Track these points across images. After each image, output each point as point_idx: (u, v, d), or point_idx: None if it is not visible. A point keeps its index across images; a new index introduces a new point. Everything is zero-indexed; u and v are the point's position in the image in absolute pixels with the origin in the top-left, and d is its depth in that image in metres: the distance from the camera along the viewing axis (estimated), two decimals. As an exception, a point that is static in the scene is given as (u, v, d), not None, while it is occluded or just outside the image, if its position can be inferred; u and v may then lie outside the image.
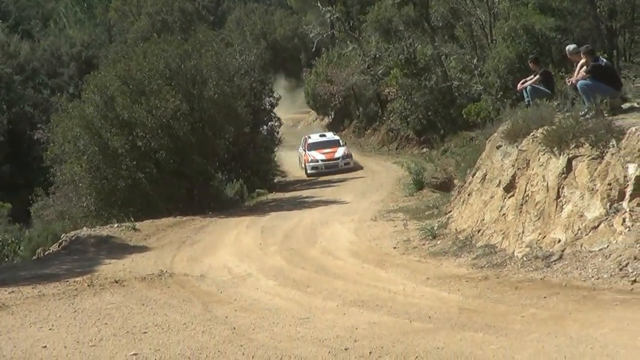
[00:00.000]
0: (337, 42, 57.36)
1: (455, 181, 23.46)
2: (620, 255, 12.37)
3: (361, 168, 42.50)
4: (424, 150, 40.19)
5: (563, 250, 13.50)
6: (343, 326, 11.34)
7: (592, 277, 12.36)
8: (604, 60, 17.45)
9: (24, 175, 49.15)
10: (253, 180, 37.04)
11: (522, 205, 15.32)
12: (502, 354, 9.33)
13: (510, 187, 16.08)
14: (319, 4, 50.32)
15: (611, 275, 12.13)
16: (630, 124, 14.14)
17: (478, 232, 16.65)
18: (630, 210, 12.84)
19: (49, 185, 34.95)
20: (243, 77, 36.67)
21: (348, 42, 50.17)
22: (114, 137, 27.73)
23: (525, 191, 15.37)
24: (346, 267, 16.36)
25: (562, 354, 9.09)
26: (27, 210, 39.39)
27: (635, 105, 15.91)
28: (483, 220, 16.80)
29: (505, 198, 16.19)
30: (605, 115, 15.42)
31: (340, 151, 42.85)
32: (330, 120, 55.45)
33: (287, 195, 33.80)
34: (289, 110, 52.44)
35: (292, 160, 45.71)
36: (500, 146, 17.47)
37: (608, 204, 13.22)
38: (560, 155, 14.61)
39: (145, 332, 11.65)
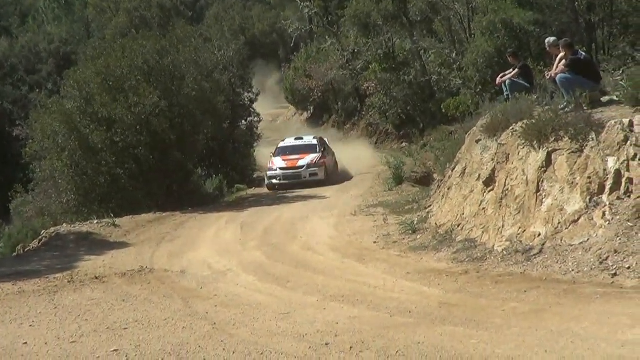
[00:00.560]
0: (315, 37, 57.35)
1: (435, 175, 23.45)
2: (600, 249, 12.42)
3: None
4: (403, 144, 40.18)
5: (543, 244, 13.53)
6: (324, 321, 11.33)
7: (573, 270, 12.40)
8: (583, 53, 17.50)
9: (3, 172, 48.81)
10: (232, 176, 37.01)
11: (502, 199, 15.35)
12: (482, 348, 9.34)
13: (490, 181, 16.10)
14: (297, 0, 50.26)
15: (591, 269, 12.17)
16: (610, 117, 14.20)
17: (458, 226, 16.67)
18: (610, 204, 12.89)
19: (28, 182, 34.83)
20: (222, 72, 36.63)
21: (326, 37, 50.14)
22: (94, 132, 27.61)
23: (505, 185, 15.40)
24: (326, 262, 16.35)
25: (543, 348, 9.11)
26: (6, 207, 39.21)
27: (614, 98, 15.92)
28: (463, 214, 16.82)
29: (485, 192, 16.21)
30: (585, 108, 15.48)
31: (307, 158, 33.93)
32: (309, 115, 55.39)
33: (267, 190, 33.81)
34: (268, 105, 52.35)
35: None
36: (480, 140, 17.49)
37: (588, 198, 13.27)
38: (539, 149, 14.64)
39: (125, 328, 11.60)
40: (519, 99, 16.97)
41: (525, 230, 14.22)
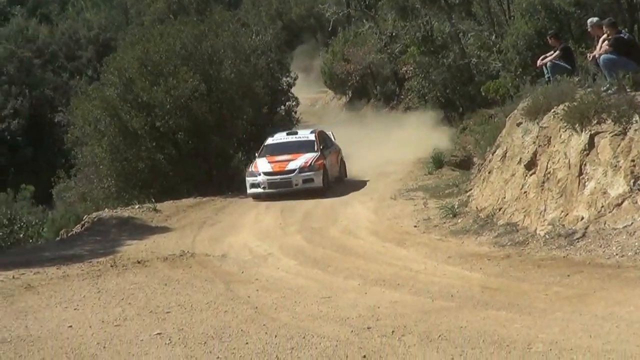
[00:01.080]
0: (353, 21, 57.07)
1: (475, 159, 23.33)
2: (644, 232, 12.31)
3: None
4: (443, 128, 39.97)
5: (586, 228, 13.42)
6: (365, 305, 11.34)
7: (616, 254, 12.31)
8: (627, 34, 17.29)
9: (46, 158, 49.34)
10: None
11: (543, 182, 15.23)
12: (526, 333, 9.29)
13: (531, 165, 15.96)
14: (334, -17, 50.10)
15: (635, 253, 12.07)
16: (653, 99, 14.04)
17: (499, 210, 16.57)
18: (654, 187, 12.76)
19: (70, 167, 35.14)
20: (260, 57, 36.59)
21: (364, 21, 49.85)
22: (134, 118, 27.80)
23: (546, 168, 15.27)
24: (367, 246, 16.36)
25: (587, 333, 9.04)
26: (49, 192, 39.64)
27: (658, 80, 15.75)
28: (504, 198, 16.72)
29: (526, 176, 16.08)
30: (628, 90, 15.30)
31: (300, 160, 25.86)
32: (348, 99, 55.18)
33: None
34: (307, 90, 52.23)
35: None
36: (521, 123, 17.34)
37: (632, 181, 13.13)
38: (582, 131, 14.49)
39: (168, 312, 11.68)
40: (561, 81, 16.78)
41: (567, 214, 14.11)
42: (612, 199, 13.27)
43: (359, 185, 26.61)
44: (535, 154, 15.95)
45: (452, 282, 12.32)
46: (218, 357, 9.36)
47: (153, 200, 24.76)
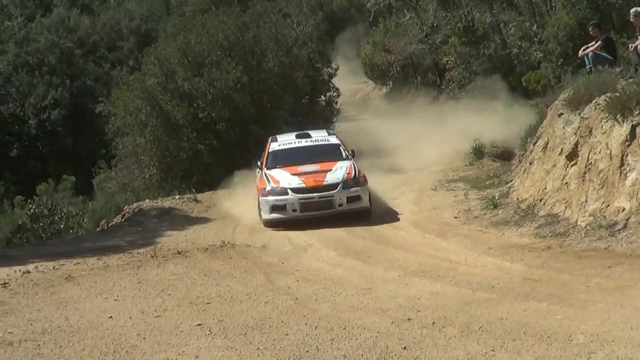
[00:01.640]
0: (394, 12, 56.92)
1: (516, 150, 23.21)
2: (686, 224, 12.22)
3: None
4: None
5: (627, 219, 13.35)
6: (405, 296, 11.36)
7: (658, 246, 12.23)
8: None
9: (87, 148, 49.77)
10: (312, 151, 37.02)
11: (585, 173, 15.14)
12: (567, 324, 9.27)
13: (572, 156, 15.87)
14: (375, -26, 49.97)
15: (676, 244, 11.99)
16: (696, 90, 13.91)
17: (540, 201, 16.50)
18: (696, 178, 12.66)
19: (111, 157, 35.40)
20: (301, 47, 36.60)
21: (405, 11, 49.71)
22: (175, 108, 27.95)
23: (588, 159, 15.18)
24: (407, 237, 16.37)
25: (628, 324, 9.00)
26: (90, 182, 39.92)
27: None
28: (545, 189, 16.64)
29: (567, 167, 16.00)
30: (670, 81, 15.16)
31: (339, 170, 19.72)
32: (389, 90, 55.07)
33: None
34: (348, 80, 52.12)
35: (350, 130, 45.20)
36: (562, 114, 17.24)
37: (673, 172, 13.05)
38: (623, 122, 14.41)
39: (208, 303, 11.75)
40: (602, 72, 16.69)
41: (609, 205, 14.03)
42: (653, 191, 13.21)
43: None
44: (576, 144, 15.86)
45: (492, 274, 12.31)
46: (258, 348, 9.41)
47: (194, 191, 24.86)
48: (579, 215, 14.66)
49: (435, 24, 44.53)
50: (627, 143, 14.15)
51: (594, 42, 19.19)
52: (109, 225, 24.03)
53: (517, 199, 17.77)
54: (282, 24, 34.01)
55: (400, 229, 17.41)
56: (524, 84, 31.32)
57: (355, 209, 18.99)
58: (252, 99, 28.85)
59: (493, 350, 8.74)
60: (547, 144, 17.64)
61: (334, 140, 21.67)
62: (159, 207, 23.39)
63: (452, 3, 40.46)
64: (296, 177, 19.34)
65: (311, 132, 22.52)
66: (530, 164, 18.52)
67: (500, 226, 16.19)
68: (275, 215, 18.93)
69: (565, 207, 15.32)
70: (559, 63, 27.96)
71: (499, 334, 9.20)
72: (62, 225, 25.99)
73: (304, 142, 21.46)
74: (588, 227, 14.02)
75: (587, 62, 18.99)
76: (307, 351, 9.20)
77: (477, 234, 15.89)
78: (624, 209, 13.60)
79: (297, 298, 11.74)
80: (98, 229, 24.93)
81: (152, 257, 16.08)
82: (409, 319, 10.07)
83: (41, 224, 25.77)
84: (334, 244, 16.28)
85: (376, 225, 18.05)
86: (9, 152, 51.26)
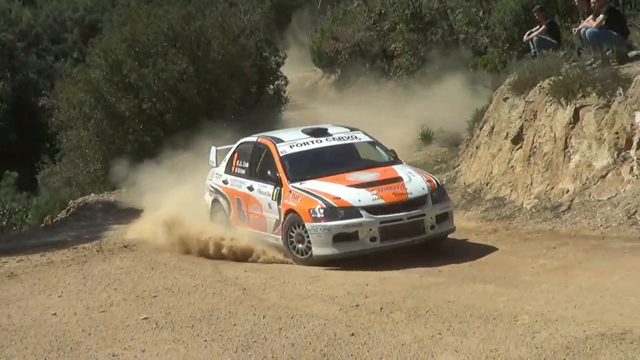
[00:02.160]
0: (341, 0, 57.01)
1: (463, 135, 23.32)
2: (628, 203, 12.39)
3: None
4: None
5: (572, 200, 13.52)
6: (353, 283, 11.37)
7: (601, 226, 12.39)
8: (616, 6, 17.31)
9: (30, 143, 48.96)
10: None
11: (530, 156, 15.28)
12: (512, 306, 9.35)
13: (518, 139, 16.00)
14: (322, -39, 49.95)
15: (620, 224, 12.14)
16: (637, 72, 14.16)
17: (486, 185, 16.61)
18: (637, 159, 12.85)
19: (55, 152, 34.89)
20: (248, 37, 36.46)
21: (353, -1, 49.81)
22: (120, 100, 27.68)
23: (532, 143, 15.33)
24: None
25: (572, 304, 9.10)
26: (33, 178, 39.24)
27: (642, 52, 15.78)
28: (491, 173, 16.74)
29: (513, 150, 16.13)
30: (612, 63, 15.33)
31: (415, 178, 13.87)
32: (337, 78, 55.07)
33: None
34: (296, 69, 52.02)
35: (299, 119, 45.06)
36: (508, 98, 17.35)
37: (616, 153, 13.22)
38: (567, 105, 14.58)
39: (155, 296, 11.68)
40: (546, 56, 16.83)
41: (553, 187, 14.19)
42: (596, 172, 13.39)
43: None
44: (521, 128, 15.99)
45: (440, 258, 12.35)
46: (206, 340, 9.36)
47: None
48: (524, 198, 14.81)
49: (382, 11, 44.56)
50: (570, 126, 14.31)
51: (538, 27, 19.34)
52: (54, 220, 23.76)
53: (464, 183, 17.84)
54: (228, 13, 33.78)
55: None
56: (471, 69, 31.47)
57: (445, 233, 13.61)
58: (199, 90, 28.63)
59: (440, 333, 8.76)
60: (493, 128, 17.73)
61: (363, 136, 15.60)
62: (105, 200, 23.21)
63: (399, -10, 40.45)
64: (364, 191, 13.23)
65: (325, 127, 16.05)
66: (476, 148, 18.60)
67: (448, 211, 16.24)
68: (340, 249, 12.90)
69: (511, 191, 15.45)
70: (505, 48, 28.13)
71: (445, 317, 9.25)
72: (4, 222, 25.64)
73: (326, 141, 15.04)
74: (533, 209, 14.17)
75: (531, 46, 19.11)
76: (255, 341, 9.16)
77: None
78: (568, 191, 13.76)
79: (245, 288, 11.70)
80: (42, 225, 24.61)
81: (97, 251, 15.95)
82: (357, 306, 10.09)
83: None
84: (282, 233, 16.23)
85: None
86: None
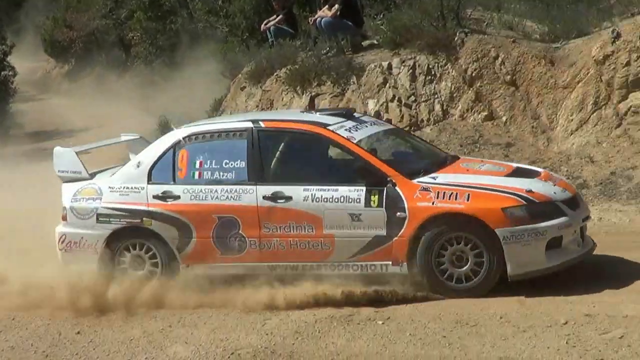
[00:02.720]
0: (75, -15, 55.62)
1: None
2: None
3: None
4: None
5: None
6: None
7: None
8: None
9: None
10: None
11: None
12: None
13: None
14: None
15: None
16: (370, 60, 14.62)
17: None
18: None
19: None
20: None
21: (85, -15, 48.67)
22: None
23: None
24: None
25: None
26: None
27: (375, 42, 16.20)
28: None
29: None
30: (347, 53, 15.64)
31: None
32: (71, 68, 53.65)
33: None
34: (25, 59, 50.26)
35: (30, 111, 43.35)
36: (245, 87, 17.38)
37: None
38: (303, 94, 14.82)
39: None
40: (283, 45, 16.94)
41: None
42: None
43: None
44: (258, 116, 15.98)
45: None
46: None
47: None
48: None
49: (119, -1, 43.90)
50: (305, 113, 14.44)
51: (275, 16, 19.41)
52: None
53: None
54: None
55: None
56: (213, 59, 31.42)
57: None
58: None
59: (170, 326, 8.72)
60: (231, 116, 17.67)
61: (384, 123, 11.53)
62: None
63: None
64: (541, 182, 9.37)
65: (365, 116, 11.27)
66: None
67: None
68: (553, 261, 8.80)
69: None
70: (245, 37, 28.20)
71: (177, 310, 9.12)
72: None
73: (376, 126, 10.41)
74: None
75: (269, 35, 19.16)
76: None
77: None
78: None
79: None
80: None
81: None
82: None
83: None
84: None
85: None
86: None
